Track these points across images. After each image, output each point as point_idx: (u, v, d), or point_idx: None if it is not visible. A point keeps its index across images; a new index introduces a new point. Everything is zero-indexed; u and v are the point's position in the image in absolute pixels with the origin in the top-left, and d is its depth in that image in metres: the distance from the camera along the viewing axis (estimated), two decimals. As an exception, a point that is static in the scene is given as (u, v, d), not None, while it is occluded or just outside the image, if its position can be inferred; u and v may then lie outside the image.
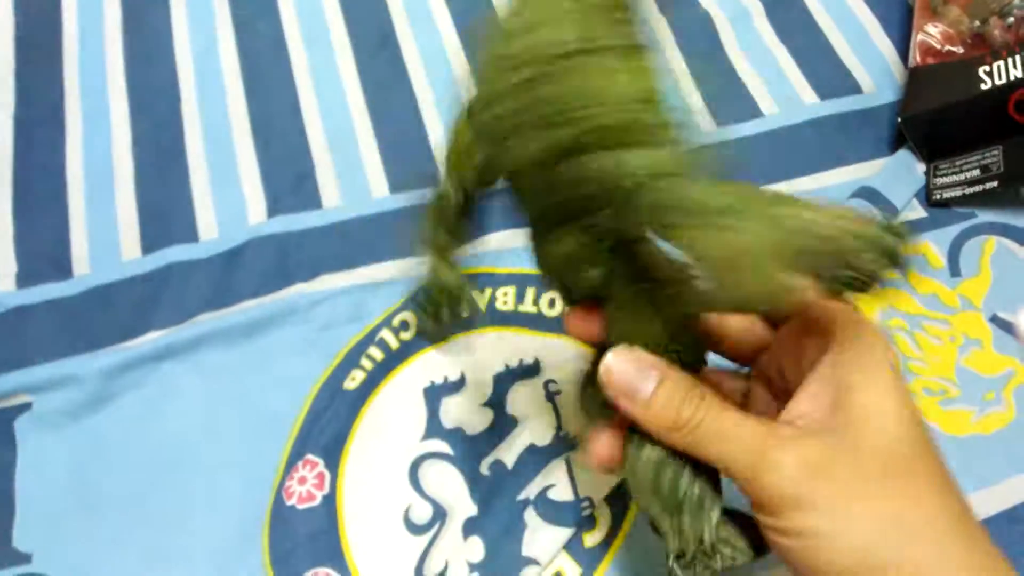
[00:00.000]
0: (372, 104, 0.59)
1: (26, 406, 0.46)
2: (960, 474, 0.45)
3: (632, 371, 0.26)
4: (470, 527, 0.43)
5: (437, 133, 0.58)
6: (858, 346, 0.25)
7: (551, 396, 0.47)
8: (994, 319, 0.52)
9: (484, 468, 0.45)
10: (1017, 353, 0.50)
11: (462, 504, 0.44)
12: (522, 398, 0.47)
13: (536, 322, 0.50)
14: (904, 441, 0.24)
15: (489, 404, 0.47)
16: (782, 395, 0.28)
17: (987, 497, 0.45)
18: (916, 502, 0.24)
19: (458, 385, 0.48)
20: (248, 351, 0.48)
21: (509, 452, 0.45)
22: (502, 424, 0.46)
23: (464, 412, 0.47)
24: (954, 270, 0.54)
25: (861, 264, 0.22)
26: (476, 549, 0.42)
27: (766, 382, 0.30)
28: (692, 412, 0.25)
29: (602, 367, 0.26)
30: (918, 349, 0.50)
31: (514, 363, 0.48)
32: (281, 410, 0.46)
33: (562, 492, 0.44)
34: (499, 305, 0.50)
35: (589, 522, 0.43)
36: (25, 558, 0.42)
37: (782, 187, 0.57)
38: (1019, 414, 0.48)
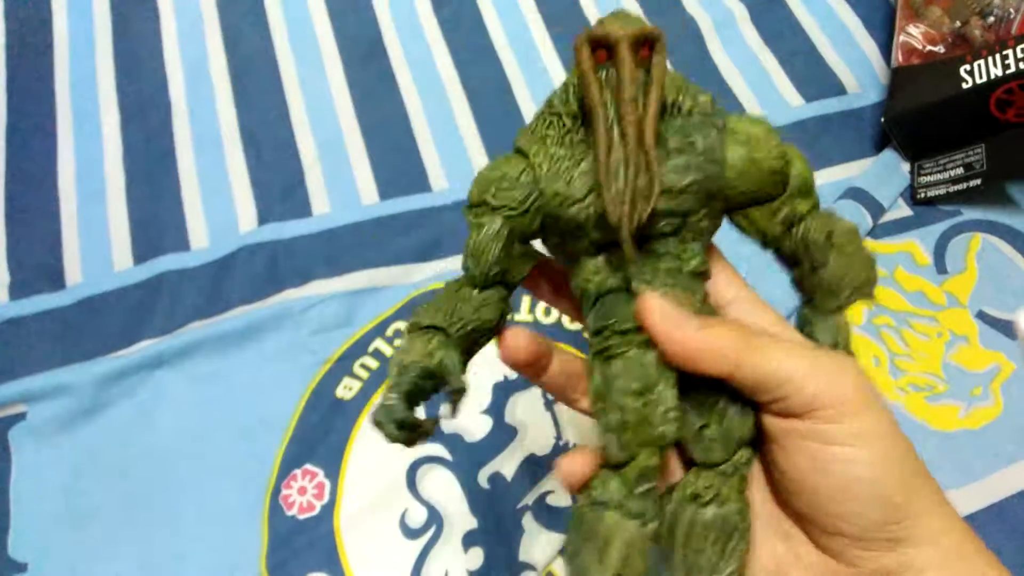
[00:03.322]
0: (360, 111, 0.59)
1: (20, 416, 0.46)
2: (948, 469, 0.46)
3: (674, 306, 0.26)
4: (470, 539, 0.43)
5: (426, 140, 0.58)
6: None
7: (550, 404, 0.48)
8: (980, 315, 0.52)
9: (483, 480, 0.45)
10: (1003, 348, 0.51)
11: (461, 517, 0.44)
12: (521, 407, 0.48)
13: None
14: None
15: (488, 412, 0.48)
16: None
17: (975, 491, 0.46)
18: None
19: (457, 392, 0.48)
20: (239, 357, 0.48)
21: (508, 463, 0.46)
22: (501, 433, 0.47)
23: (463, 418, 0.47)
24: (940, 267, 0.54)
25: None
26: (476, 558, 0.43)
27: None
28: (748, 327, 0.26)
29: (642, 305, 0.26)
30: (905, 346, 0.51)
31: (512, 373, 0.49)
32: (273, 415, 0.47)
33: (560, 498, 0.45)
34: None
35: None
36: (20, 567, 0.42)
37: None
38: (1006, 409, 0.49)
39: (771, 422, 0.26)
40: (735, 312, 0.28)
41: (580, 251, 0.27)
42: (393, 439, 0.26)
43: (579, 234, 0.26)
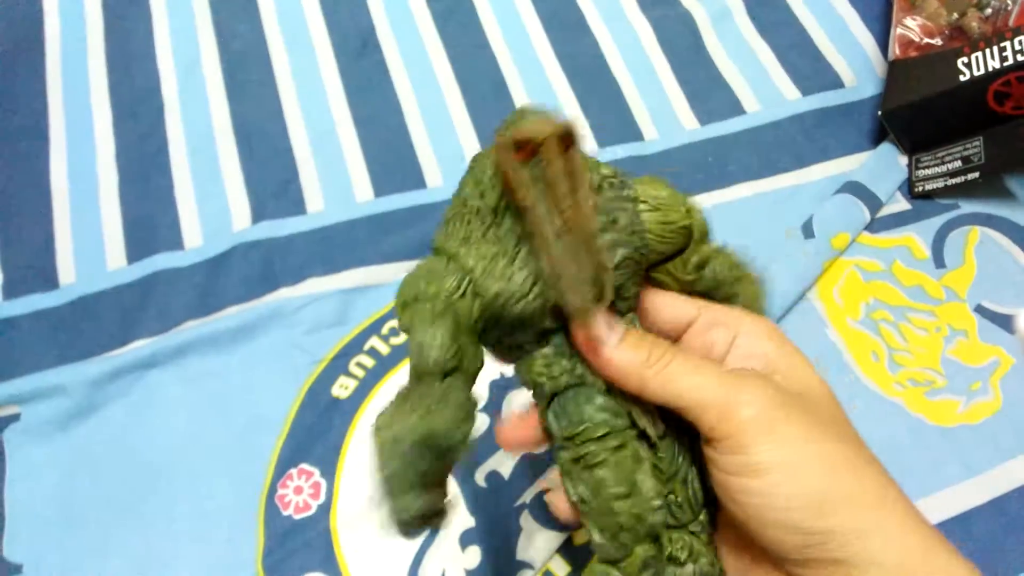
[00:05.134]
0: (354, 108, 0.59)
1: (14, 417, 0.46)
2: (948, 464, 0.46)
3: (601, 322, 0.26)
4: (467, 538, 0.43)
5: (420, 135, 0.58)
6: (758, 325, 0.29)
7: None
8: (979, 309, 0.52)
9: (480, 479, 0.45)
10: (1002, 342, 0.51)
11: (458, 515, 0.44)
12: (518, 405, 0.47)
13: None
14: (827, 396, 0.27)
15: (485, 410, 0.47)
16: None
17: (975, 487, 0.46)
18: (852, 446, 0.26)
19: (453, 390, 0.48)
20: (234, 357, 0.48)
21: (506, 462, 0.45)
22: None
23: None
24: (938, 261, 0.54)
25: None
26: (473, 557, 0.43)
27: None
28: (663, 350, 0.26)
29: (574, 329, 0.26)
30: (903, 341, 0.50)
31: (509, 371, 0.48)
32: (268, 414, 0.46)
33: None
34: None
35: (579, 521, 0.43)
36: (16, 568, 0.42)
37: (767, 183, 0.57)
38: (1006, 403, 0.48)
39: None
40: (704, 319, 0.29)
41: (524, 343, 0.27)
42: (410, 532, 0.22)
43: (524, 327, 0.26)
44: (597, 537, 0.27)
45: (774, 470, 0.24)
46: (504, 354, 0.28)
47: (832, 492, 0.24)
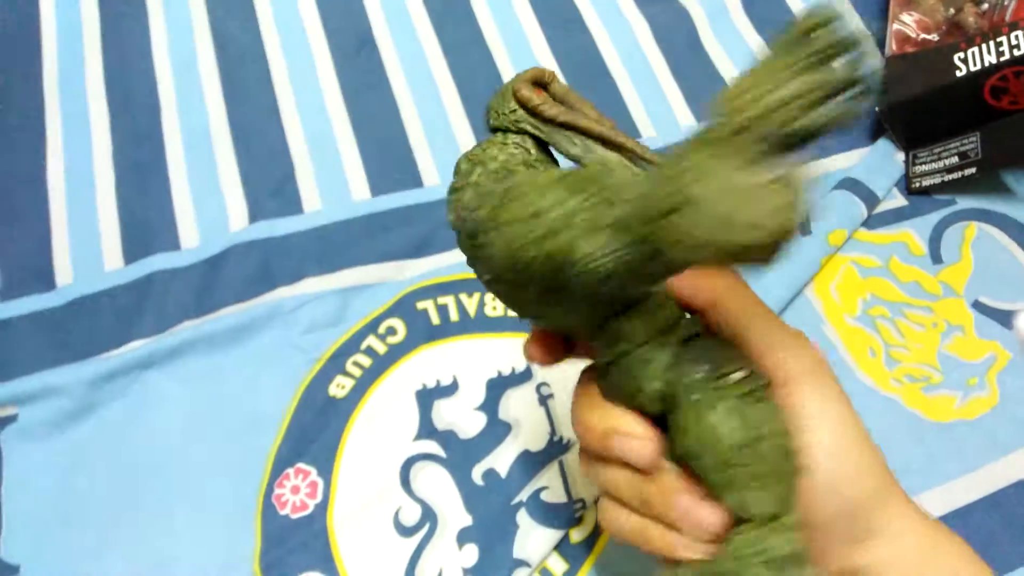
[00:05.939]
0: (351, 107, 0.59)
1: (12, 418, 0.46)
2: (945, 460, 0.46)
3: None
4: (464, 536, 0.43)
5: (417, 134, 0.58)
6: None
7: (544, 400, 0.48)
8: (976, 304, 0.52)
9: (477, 477, 0.45)
10: (999, 337, 0.51)
11: (456, 514, 0.44)
12: (515, 403, 0.47)
13: (526, 326, 0.50)
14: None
15: (482, 408, 0.47)
16: None
17: (972, 482, 0.45)
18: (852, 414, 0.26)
19: (450, 389, 0.48)
20: (231, 356, 0.48)
21: (502, 460, 0.45)
22: (495, 429, 0.47)
23: (457, 415, 0.47)
24: (935, 257, 0.54)
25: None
26: (470, 555, 0.43)
27: None
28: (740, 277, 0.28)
29: None
30: (900, 336, 0.50)
31: (506, 369, 0.49)
32: (265, 414, 0.46)
33: (555, 494, 0.44)
34: (488, 311, 0.50)
35: (577, 519, 0.44)
36: (13, 569, 0.42)
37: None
38: (1002, 398, 0.48)
39: None
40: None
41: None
42: None
43: None
44: (753, 487, 0.24)
45: (819, 426, 0.24)
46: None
47: (864, 458, 0.25)
